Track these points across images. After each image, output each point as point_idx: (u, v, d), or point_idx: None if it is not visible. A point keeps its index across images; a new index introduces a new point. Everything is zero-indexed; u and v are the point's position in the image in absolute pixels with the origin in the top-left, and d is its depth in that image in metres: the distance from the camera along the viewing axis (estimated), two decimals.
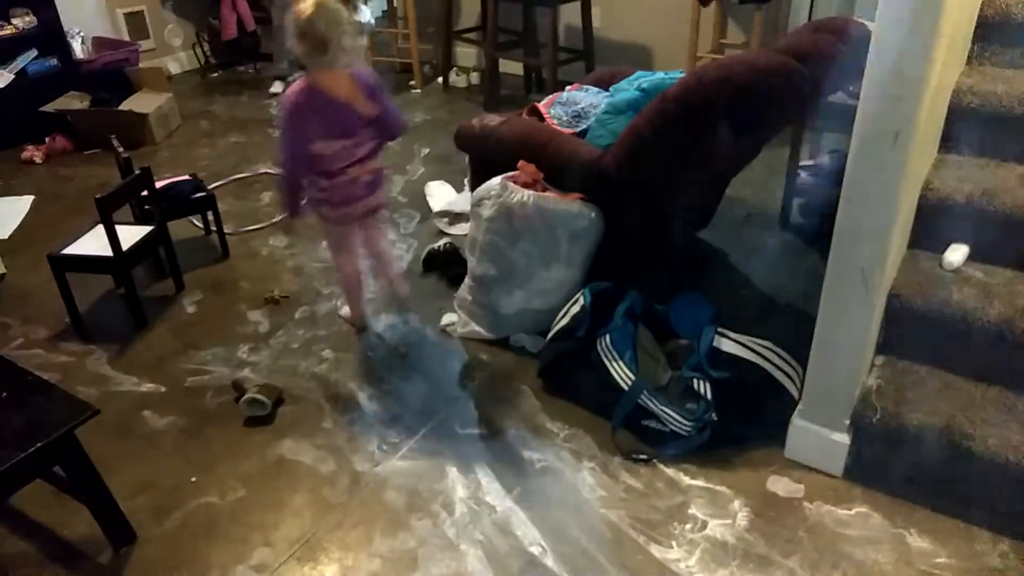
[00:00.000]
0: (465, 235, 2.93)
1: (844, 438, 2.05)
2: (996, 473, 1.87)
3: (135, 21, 5.26)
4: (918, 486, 2.00)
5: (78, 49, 4.80)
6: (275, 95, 5.22)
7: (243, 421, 2.37)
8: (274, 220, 3.58)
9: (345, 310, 2.85)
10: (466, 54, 5.65)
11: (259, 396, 2.37)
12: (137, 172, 2.86)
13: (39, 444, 1.70)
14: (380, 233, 2.73)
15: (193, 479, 2.16)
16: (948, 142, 2.35)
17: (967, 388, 2.03)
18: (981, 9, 2.44)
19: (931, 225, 2.21)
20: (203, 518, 2.04)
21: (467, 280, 2.78)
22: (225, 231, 3.34)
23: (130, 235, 2.84)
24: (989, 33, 2.46)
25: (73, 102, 4.55)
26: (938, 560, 1.85)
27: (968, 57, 2.50)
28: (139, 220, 3.11)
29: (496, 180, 2.60)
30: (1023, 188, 2.13)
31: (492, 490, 2.10)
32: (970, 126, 2.30)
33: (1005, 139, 2.26)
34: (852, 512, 1.99)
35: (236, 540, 1.97)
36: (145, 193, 2.93)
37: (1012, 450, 1.85)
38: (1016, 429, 1.90)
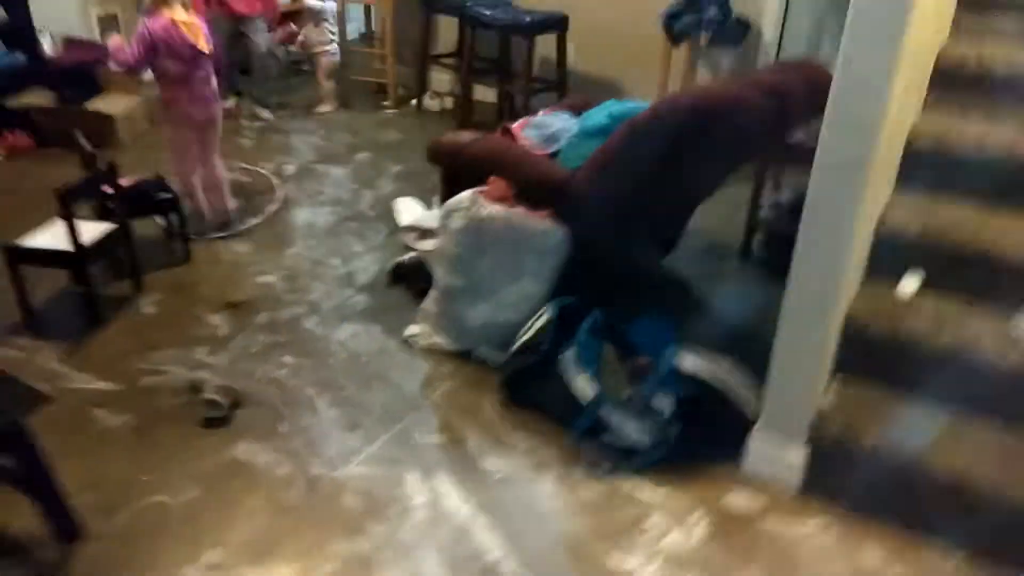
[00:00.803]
0: (431, 251, 2.95)
1: (800, 455, 2.10)
2: (946, 491, 1.93)
3: (108, 23, 5.20)
4: (872, 502, 2.05)
5: (47, 46, 4.72)
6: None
7: (199, 422, 2.32)
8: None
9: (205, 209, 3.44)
10: (441, 80, 5.71)
11: (216, 397, 2.33)
12: (102, 167, 2.82)
13: None
14: (214, 147, 3.49)
15: (144, 478, 2.11)
16: (903, 180, 2.46)
17: (919, 410, 2.10)
18: (937, 60, 2.58)
19: (886, 256, 2.30)
20: (153, 517, 1.98)
21: (433, 292, 2.79)
22: (187, 234, 3.30)
23: (90, 230, 2.78)
24: (944, 81, 2.60)
25: (38, 99, 4.47)
26: (891, 574, 1.89)
27: (924, 102, 2.63)
28: (101, 217, 3.05)
29: (467, 193, 2.63)
30: (973, 224, 2.24)
31: (451, 498, 2.08)
32: (923, 166, 2.41)
33: (956, 178, 2.37)
34: (808, 527, 2.02)
35: (187, 540, 1.92)
36: (109, 190, 2.88)
37: (961, 471, 1.92)
38: (965, 451, 1.97)
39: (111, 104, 4.52)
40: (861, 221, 1.90)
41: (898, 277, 2.28)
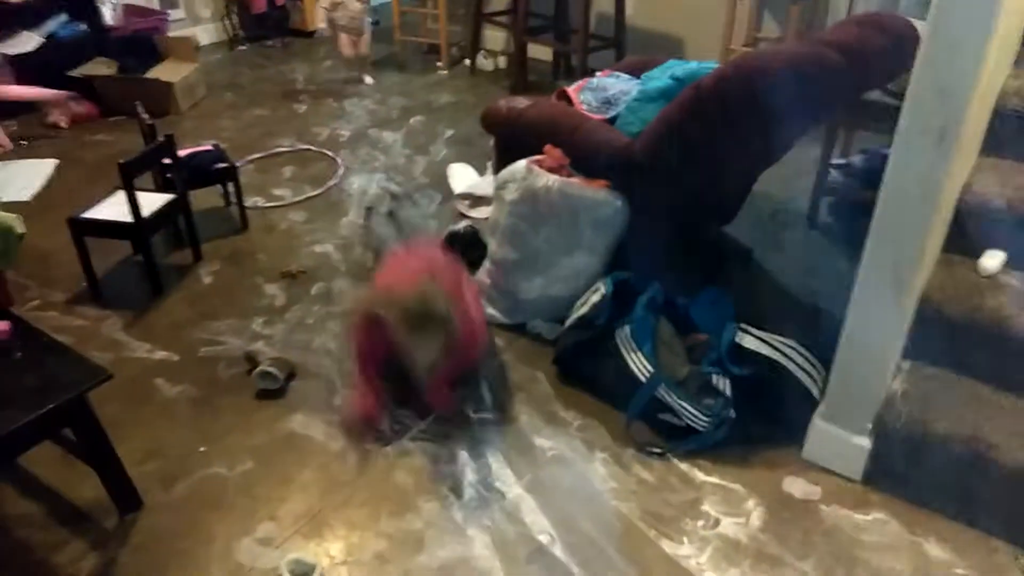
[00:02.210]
0: (486, 218, 2.90)
1: (865, 442, 2.00)
2: (1021, 486, 1.81)
3: None
4: (939, 494, 1.94)
5: (108, 15, 4.79)
6: None
7: (254, 394, 2.35)
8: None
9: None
10: (495, 37, 5.59)
11: (271, 369, 2.35)
12: (161, 139, 2.85)
13: (50, 406, 1.68)
14: None
15: (202, 449, 2.15)
16: (990, 145, 2.28)
17: (996, 398, 1.98)
18: None
19: (968, 229, 2.14)
20: (210, 488, 2.03)
21: (486, 263, 2.74)
22: (245, 204, 3.33)
23: (151, 202, 2.82)
24: None
25: (100, 68, 4.55)
26: (956, 571, 1.80)
27: (1016, 58, 2.42)
28: (160, 188, 3.09)
29: (521, 163, 2.55)
30: None
31: (502, 476, 2.07)
32: (1014, 130, 2.23)
33: None
34: (869, 517, 1.94)
35: (242, 512, 1.95)
36: (167, 161, 2.92)
37: None
38: None
39: (169, 72, 4.56)
40: (946, 192, 1.76)
41: (980, 252, 2.13)
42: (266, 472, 2.08)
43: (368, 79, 5.12)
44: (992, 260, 2.09)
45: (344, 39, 4.96)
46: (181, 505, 1.98)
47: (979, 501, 1.90)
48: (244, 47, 5.88)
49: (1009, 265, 2.10)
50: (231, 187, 3.30)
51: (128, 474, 1.93)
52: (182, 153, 3.03)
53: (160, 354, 2.54)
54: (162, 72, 4.56)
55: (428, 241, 2.88)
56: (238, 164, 3.54)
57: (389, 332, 2.05)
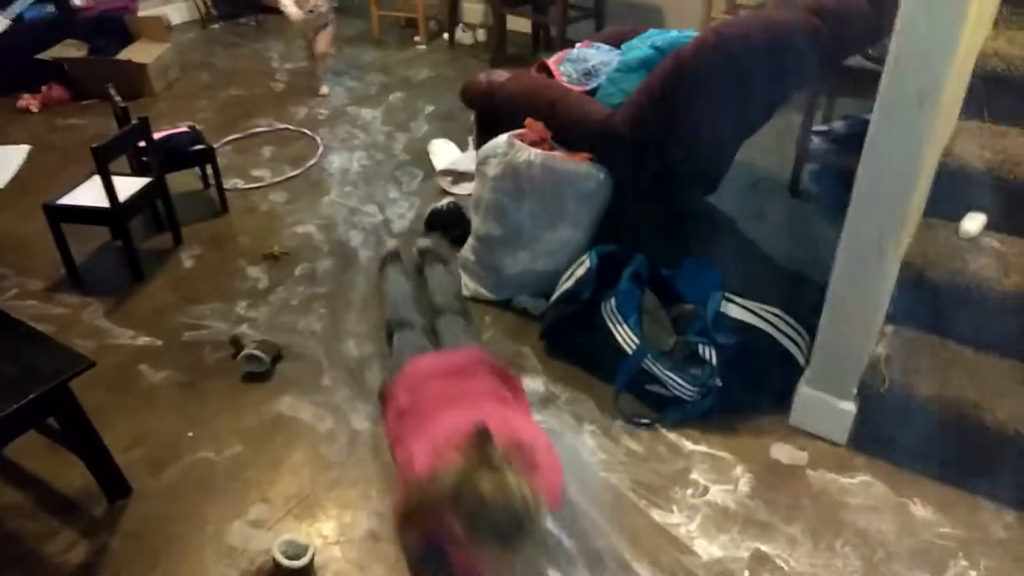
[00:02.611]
0: (469, 194, 2.87)
1: (851, 406, 2.02)
2: (1004, 445, 1.84)
3: None
4: (923, 456, 1.97)
5: None
6: None
7: (241, 377, 2.34)
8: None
9: None
10: (473, 10, 5.51)
11: (257, 352, 2.34)
12: (134, 122, 2.79)
13: (32, 395, 1.66)
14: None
15: (190, 434, 2.14)
16: (970, 108, 2.28)
17: (978, 360, 2.00)
18: None
19: (949, 192, 2.15)
20: (199, 473, 2.02)
21: (471, 240, 2.73)
22: (224, 186, 3.28)
23: (127, 186, 2.77)
24: None
25: (70, 50, 4.45)
26: (942, 530, 1.83)
27: (995, 20, 2.41)
28: (136, 172, 3.04)
29: (502, 138, 2.53)
30: None
31: None
32: (994, 92, 2.23)
33: None
34: (856, 481, 1.97)
35: (232, 496, 1.95)
36: (142, 144, 2.86)
37: (1022, 422, 1.82)
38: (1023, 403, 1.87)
39: (141, 52, 4.47)
40: (927, 156, 1.76)
41: (961, 215, 2.14)
42: (255, 455, 2.07)
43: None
44: (973, 223, 2.10)
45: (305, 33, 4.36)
46: (170, 491, 1.97)
47: (962, 461, 1.93)
48: (217, 26, 5.77)
49: (990, 227, 2.11)
50: (209, 169, 3.25)
51: (115, 461, 1.92)
52: (157, 136, 2.98)
53: (143, 340, 2.51)
54: (134, 53, 4.46)
55: (474, 360, 2.04)
56: (216, 145, 3.49)
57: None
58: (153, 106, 4.29)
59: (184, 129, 3.26)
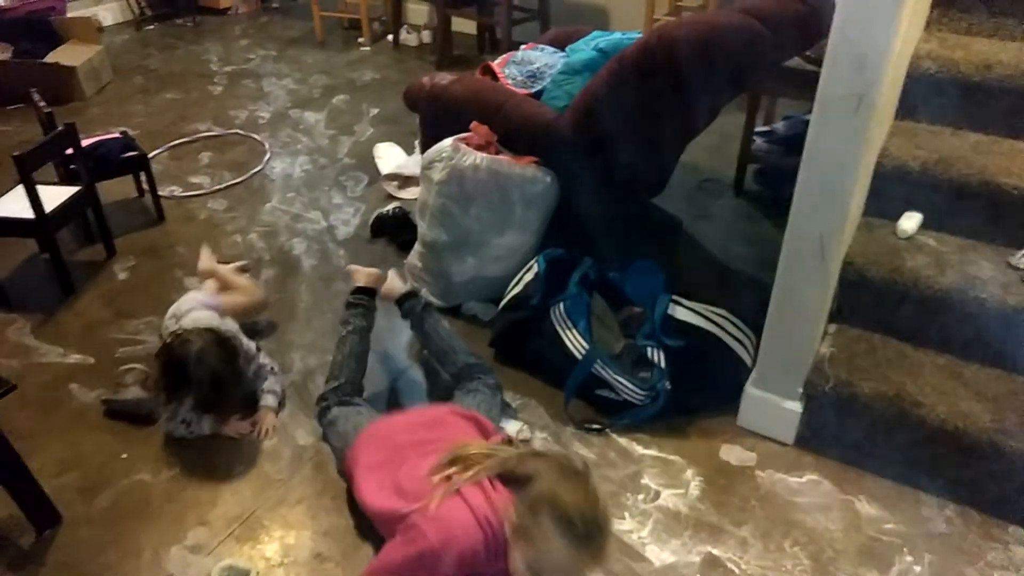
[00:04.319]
0: (415, 199, 2.83)
1: (797, 406, 2.04)
2: (944, 440, 1.88)
3: None
4: (868, 453, 2.00)
5: None
6: None
7: None
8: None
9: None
10: (417, 11, 5.45)
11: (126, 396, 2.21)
12: (60, 128, 2.67)
13: None
14: None
15: (124, 456, 2.04)
16: (904, 109, 2.33)
17: (918, 356, 2.04)
18: None
19: (886, 192, 2.19)
20: (135, 497, 1.93)
21: (417, 246, 2.68)
22: (161, 194, 3.16)
23: (54, 196, 2.65)
24: None
25: None
26: (886, 526, 1.86)
27: (927, 22, 2.47)
28: (65, 180, 2.91)
29: (448, 142, 2.49)
30: (977, 156, 2.13)
31: None
32: (927, 93, 2.28)
33: (961, 106, 2.25)
34: (803, 480, 1.98)
35: (170, 519, 1.87)
36: (70, 151, 2.74)
37: (960, 417, 1.86)
38: (964, 396, 1.91)
39: (71, 55, 4.29)
40: (865, 157, 1.79)
41: (898, 215, 2.18)
42: (194, 475, 1.99)
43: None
44: (910, 221, 2.15)
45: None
46: (104, 517, 1.88)
47: (905, 457, 1.96)
48: (152, 27, 5.59)
49: (926, 225, 2.16)
50: (143, 177, 3.13)
51: (43, 488, 1.82)
52: (86, 142, 2.86)
53: (74, 357, 2.40)
54: (62, 56, 4.28)
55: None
56: (153, 153, 3.37)
57: None
58: (84, 111, 4.13)
59: (115, 135, 3.14)
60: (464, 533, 1.43)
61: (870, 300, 2.07)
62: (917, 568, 1.76)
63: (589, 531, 1.36)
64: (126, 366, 2.28)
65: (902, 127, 2.31)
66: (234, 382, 1.99)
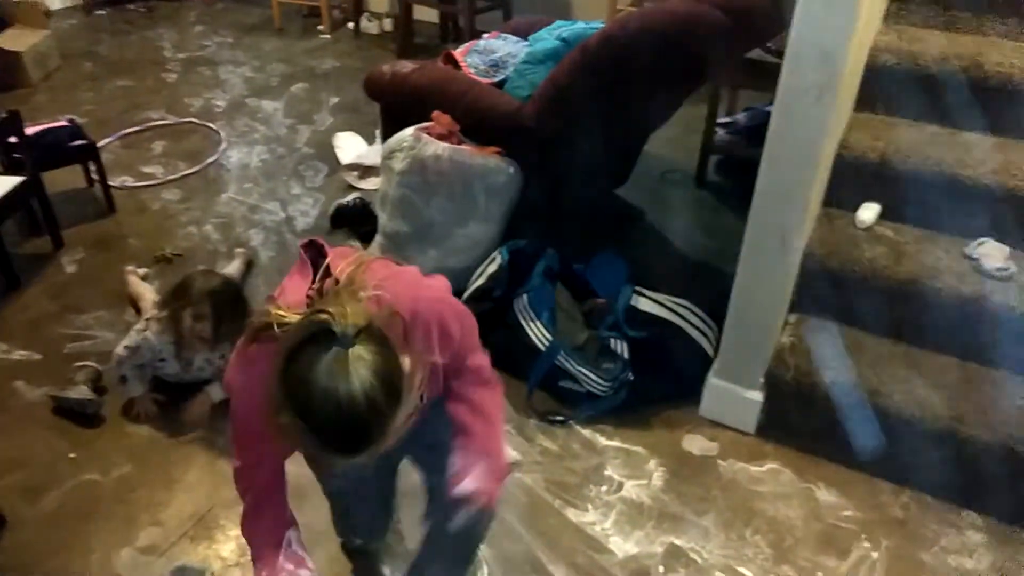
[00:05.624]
0: (376, 190, 2.78)
1: (758, 396, 2.06)
2: (901, 427, 1.91)
3: None
4: (827, 441, 2.02)
5: None
6: None
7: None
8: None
9: None
10: None
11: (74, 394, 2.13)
12: (2, 115, 2.56)
13: None
14: None
15: (72, 455, 1.97)
16: (863, 100, 2.35)
17: (876, 345, 2.06)
18: None
19: (845, 183, 2.21)
20: (83, 497, 1.86)
21: (378, 237, 2.64)
22: (111, 184, 3.06)
23: None
24: None
25: None
26: (845, 513, 1.88)
27: (885, 15, 2.50)
28: (8, 170, 2.79)
29: (409, 131, 2.45)
30: (934, 148, 2.16)
31: None
32: (885, 85, 2.30)
33: (918, 98, 2.27)
34: (764, 468, 2.00)
35: (121, 520, 1.81)
36: (14, 140, 2.63)
37: (916, 405, 1.89)
38: (920, 384, 1.94)
39: (16, 40, 4.12)
40: (825, 147, 1.80)
41: (856, 205, 2.20)
42: (146, 474, 1.93)
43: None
44: (868, 212, 2.17)
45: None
46: (51, 518, 1.81)
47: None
48: (103, 11, 5.41)
49: (884, 216, 2.19)
50: (93, 166, 3.02)
51: None
52: (31, 130, 2.75)
53: (19, 354, 2.31)
54: (7, 40, 4.11)
55: None
56: (104, 142, 3.25)
57: None
58: (30, 98, 3.97)
59: (63, 123, 3.02)
60: None
61: (830, 290, 2.09)
62: (874, 554, 1.78)
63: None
64: (78, 363, 2.19)
65: (861, 119, 2.33)
66: (232, 306, 2.06)
